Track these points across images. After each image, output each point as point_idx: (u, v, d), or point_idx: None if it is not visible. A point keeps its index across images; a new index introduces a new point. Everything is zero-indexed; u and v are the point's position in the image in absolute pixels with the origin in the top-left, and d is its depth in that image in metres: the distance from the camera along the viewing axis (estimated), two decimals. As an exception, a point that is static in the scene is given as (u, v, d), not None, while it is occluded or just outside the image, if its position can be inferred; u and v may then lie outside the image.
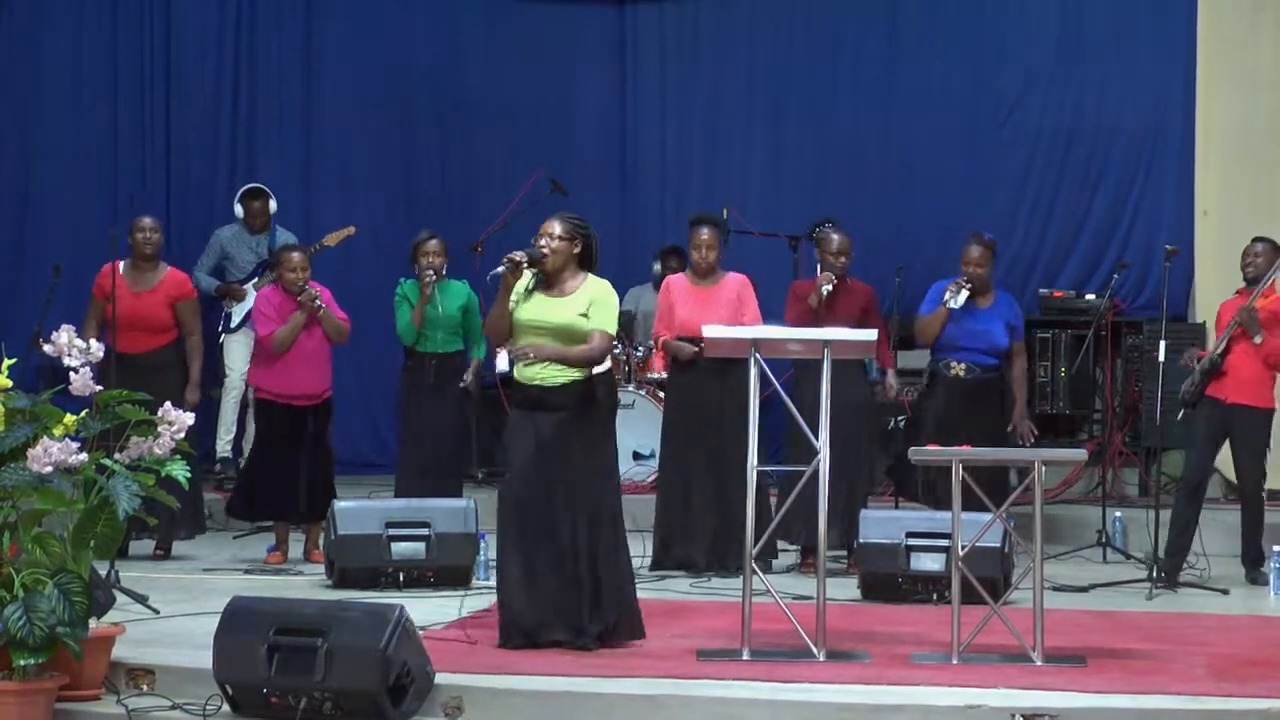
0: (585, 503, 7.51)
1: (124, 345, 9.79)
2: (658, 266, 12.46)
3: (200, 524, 10.50)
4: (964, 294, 10.00)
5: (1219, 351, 9.48)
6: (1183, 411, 9.69)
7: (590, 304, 7.50)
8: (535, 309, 7.53)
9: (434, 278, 10.18)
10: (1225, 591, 9.36)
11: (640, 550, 9.96)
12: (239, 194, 12.55)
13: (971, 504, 7.83)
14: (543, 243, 7.53)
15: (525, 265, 7.47)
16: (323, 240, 10.75)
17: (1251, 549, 9.62)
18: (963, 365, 10.08)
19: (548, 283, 7.54)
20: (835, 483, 9.05)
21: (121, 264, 10.15)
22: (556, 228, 7.54)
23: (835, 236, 10.07)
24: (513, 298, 7.55)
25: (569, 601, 7.46)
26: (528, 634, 7.45)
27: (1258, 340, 9.41)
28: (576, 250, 7.56)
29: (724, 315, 9.83)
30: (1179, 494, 9.67)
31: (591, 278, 7.58)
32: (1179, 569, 9.50)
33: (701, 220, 10.20)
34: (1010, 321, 10.16)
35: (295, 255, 10.14)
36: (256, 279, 11.96)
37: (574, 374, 7.52)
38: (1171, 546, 9.47)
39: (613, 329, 7.59)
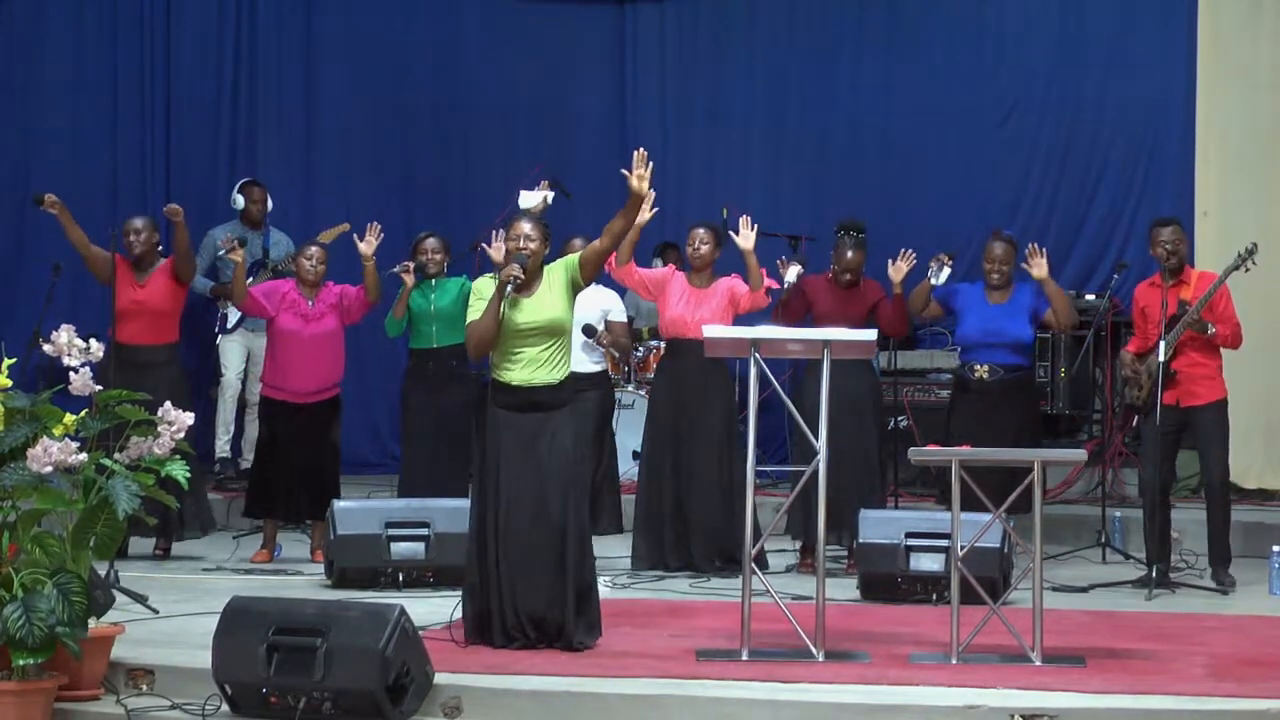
0: (570, 499, 7.54)
1: (124, 336, 9.97)
2: (659, 262, 12.45)
3: (209, 521, 10.51)
4: (946, 271, 10.01)
5: (1168, 358, 9.40)
6: (1136, 419, 9.66)
7: (563, 271, 7.58)
8: (521, 314, 7.52)
9: (410, 269, 10.23)
10: (1225, 592, 9.37)
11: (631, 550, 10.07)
12: (239, 185, 12.55)
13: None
14: (521, 244, 7.55)
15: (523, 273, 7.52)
16: (317, 238, 10.78)
17: (1221, 547, 9.47)
18: (985, 367, 10.07)
19: (518, 286, 7.52)
20: (839, 481, 9.10)
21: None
22: (529, 229, 7.58)
23: (848, 253, 10.06)
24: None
25: (555, 601, 7.46)
26: (508, 633, 7.46)
27: (1210, 332, 9.38)
28: (545, 250, 7.67)
29: (712, 311, 9.85)
30: (1147, 505, 9.57)
31: (545, 267, 7.66)
32: (1168, 571, 9.47)
33: (698, 223, 10.23)
34: (1034, 308, 10.12)
35: (314, 248, 10.37)
36: (251, 279, 11.94)
37: (561, 375, 7.56)
38: (1154, 554, 9.42)
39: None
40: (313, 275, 10.17)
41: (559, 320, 7.55)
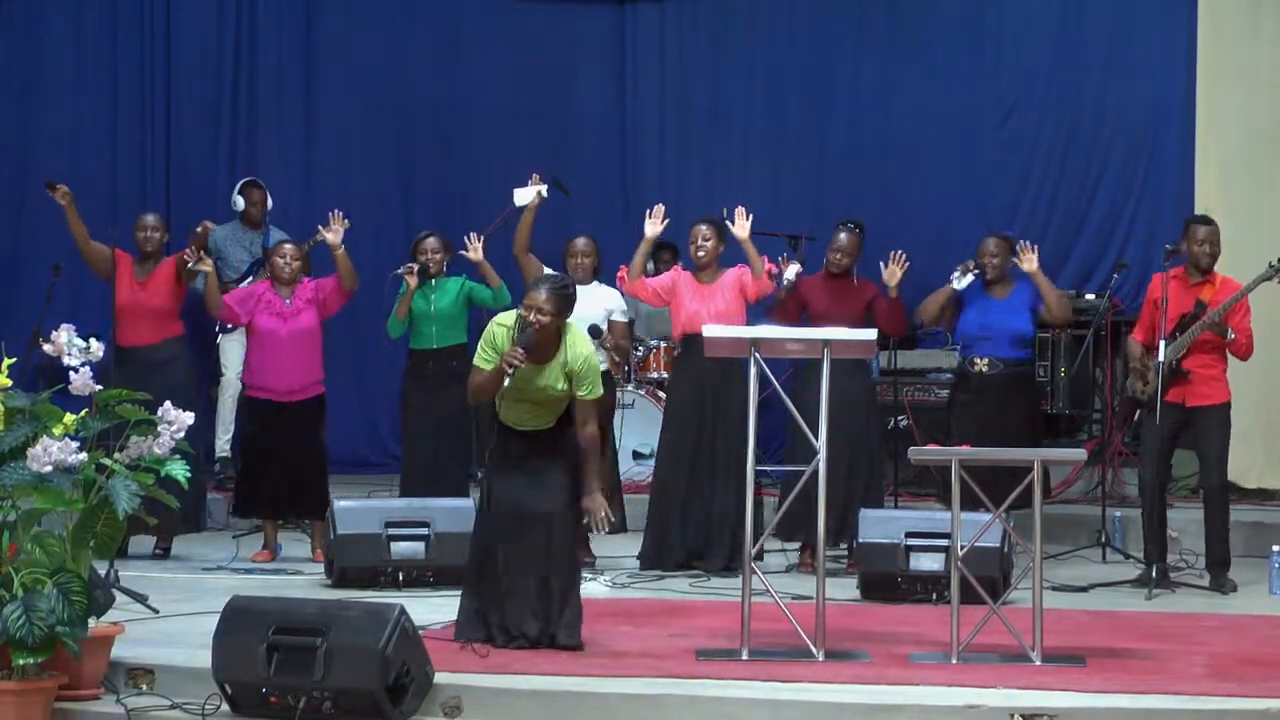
0: (568, 522, 7.58)
1: (127, 338, 10.01)
2: (650, 265, 12.44)
3: (197, 522, 10.50)
4: (969, 277, 10.00)
5: (1179, 358, 9.41)
6: (1138, 413, 9.65)
7: (569, 367, 7.43)
8: (531, 382, 7.43)
9: (414, 270, 10.23)
10: (1224, 591, 9.36)
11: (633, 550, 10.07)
12: (239, 185, 12.56)
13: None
14: (532, 316, 7.36)
15: (527, 355, 7.33)
16: (315, 236, 10.81)
17: (1220, 551, 9.43)
18: (985, 360, 10.05)
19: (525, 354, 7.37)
20: (838, 480, 9.09)
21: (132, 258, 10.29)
22: (544, 299, 7.35)
23: (841, 235, 10.10)
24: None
25: (545, 607, 7.49)
26: (508, 634, 7.48)
27: (1230, 337, 9.38)
28: (560, 323, 7.43)
29: (726, 302, 9.90)
30: (1145, 504, 9.56)
31: (567, 335, 7.48)
32: (1168, 571, 9.47)
33: (699, 220, 10.24)
34: (1033, 305, 10.11)
35: (288, 245, 10.39)
36: (250, 278, 11.95)
37: (560, 414, 7.56)
38: (1152, 553, 9.42)
39: (600, 391, 7.56)
40: (287, 273, 10.19)
41: (564, 395, 7.50)
